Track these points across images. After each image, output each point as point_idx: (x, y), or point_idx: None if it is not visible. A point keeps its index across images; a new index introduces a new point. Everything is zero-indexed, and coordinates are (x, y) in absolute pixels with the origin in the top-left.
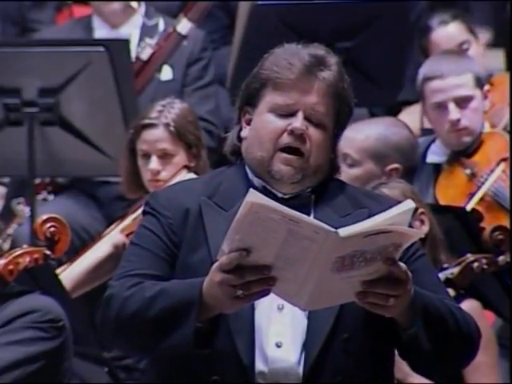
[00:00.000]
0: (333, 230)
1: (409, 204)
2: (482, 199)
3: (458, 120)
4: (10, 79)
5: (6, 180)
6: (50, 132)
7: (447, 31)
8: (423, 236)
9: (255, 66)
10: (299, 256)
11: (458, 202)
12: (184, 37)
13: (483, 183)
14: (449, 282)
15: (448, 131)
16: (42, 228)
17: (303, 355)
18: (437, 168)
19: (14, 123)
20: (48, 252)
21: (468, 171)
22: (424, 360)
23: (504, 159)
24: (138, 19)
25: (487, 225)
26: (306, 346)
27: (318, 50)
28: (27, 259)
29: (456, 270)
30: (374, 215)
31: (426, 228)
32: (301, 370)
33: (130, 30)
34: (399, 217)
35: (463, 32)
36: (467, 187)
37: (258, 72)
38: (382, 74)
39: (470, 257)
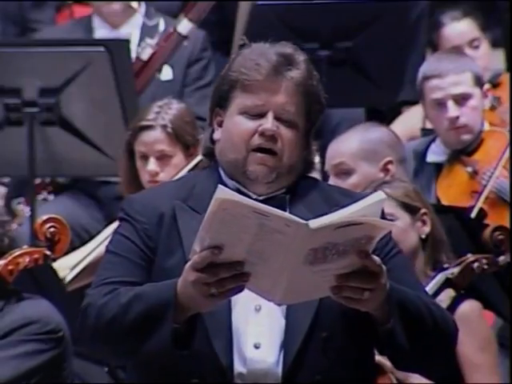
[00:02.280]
0: (303, 222)
1: (380, 195)
2: (487, 197)
3: (457, 117)
4: (10, 79)
5: (6, 180)
6: (50, 132)
7: (459, 27)
8: (422, 237)
9: None
10: (271, 250)
11: (460, 200)
12: (184, 37)
13: (488, 181)
14: (449, 281)
15: (447, 129)
16: (42, 228)
17: (281, 355)
18: (437, 167)
19: (15, 123)
20: (48, 252)
21: (469, 169)
22: (401, 355)
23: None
24: (138, 19)
25: (491, 221)
26: (284, 346)
27: (286, 48)
28: (27, 259)
29: (456, 269)
30: None
31: (427, 229)
32: (280, 370)
33: (130, 30)
34: (370, 208)
35: (474, 29)
36: (469, 185)
37: (227, 74)
38: (381, 74)
39: (470, 257)
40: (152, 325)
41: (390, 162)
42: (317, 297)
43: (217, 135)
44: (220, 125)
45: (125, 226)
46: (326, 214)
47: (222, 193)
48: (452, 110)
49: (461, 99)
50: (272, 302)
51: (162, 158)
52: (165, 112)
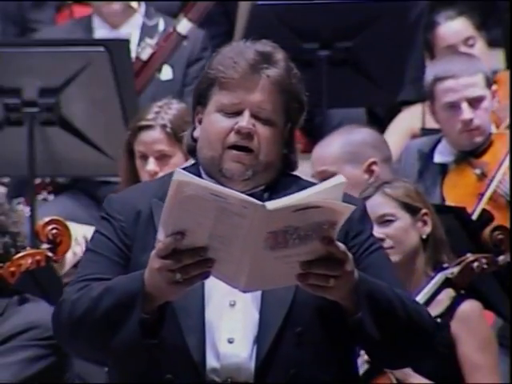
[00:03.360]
0: (260, 203)
1: (339, 178)
2: (491, 199)
3: (471, 120)
4: (10, 79)
5: (6, 180)
6: (50, 132)
7: (453, 26)
8: (423, 237)
9: None
10: (232, 234)
11: (467, 201)
12: (184, 37)
13: (491, 181)
14: (449, 281)
15: (460, 131)
16: (44, 230)
17: (255, 350)
18: (443, 168)
19: (15, 123)
20: (50, 254)
21: (478, 171)
22: (372, 346)
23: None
24: (137, 19)
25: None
26: (257, 341)
27: (265, 46)
28: (29, 261)
29: (456, 269)
30: None
31: (428, 229)
32: (252, 364)
33: (130, 30)
34: (329, 191)
35: (469, 28)
36: (476, 187)
37: (206, 72)
38: (381, 74)
39: (469, 257)
40: (122, 316)
41: (373, 163)
42: (283, 285)
43: (196, 133)
44: (200, 123)
45: (104, 224)
46: None
47: (180, 175)
48: (466, 112)
49: (474, 101)
50: (237, 289)
51: (162, 157)
52: (164, 112)
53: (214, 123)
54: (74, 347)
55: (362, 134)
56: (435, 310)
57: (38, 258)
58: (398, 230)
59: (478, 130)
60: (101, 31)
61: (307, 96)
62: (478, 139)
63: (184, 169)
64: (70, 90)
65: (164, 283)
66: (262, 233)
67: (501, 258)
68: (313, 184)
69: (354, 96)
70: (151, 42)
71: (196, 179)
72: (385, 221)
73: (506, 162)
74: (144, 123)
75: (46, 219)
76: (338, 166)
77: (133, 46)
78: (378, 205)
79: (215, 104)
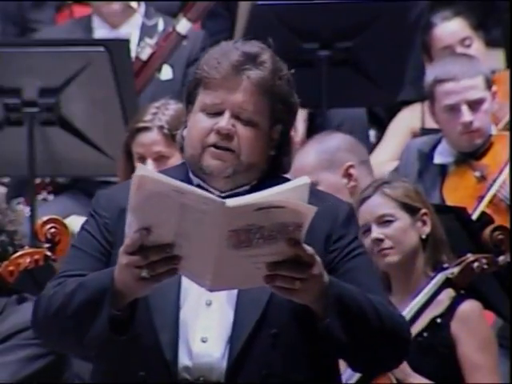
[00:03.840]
0: (220, 200)
1: (304, 179)
2: (491, 202)
3: (471, 122)
4: (10, 79)
5: (6, 180)
6: (50, 132)
7: (449, 27)
8: (423, 237)
9: None
10: (196, 231)
11: (466, 204)
12: (184, 37)
13: (491, 185)
14: (449, 281)
15: (460, 133)
16: (43, 229)
17: (227, 350)
18: (443, 169)
19: (14, 123)
20: (49, 253)
21: (477, 173)
22: (342, 352)
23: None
24: (137, 19)
25: None
26: (230, 341)
27: (252, 47)
28: (28, 260)
29: (456, 269)
30: (315, 214)
31: (427, 229)
32: (224, 364)
33: (130, 29)
34: (293, 192)
35: (465, 28)
36: (476, 190)
37: (194, 71)
38: (382, 73)
39: (470, 257)
40: (93, 312)
41: (351, 167)
42: (251, 285)
43: (184, 132)
44: None
45: (89, 220)
46: None
47: (141, 170)
48: (466, 115)
49: (474, 104)
50: (204, 287)
51: (160, 158)
52: (162, 113)
53: (197, 122)
54: (51, 342)
55: (335, 140)
56: (435, 310)
57: (36, 257)
58: (398, 231)
59: (478, 132)
60: (101, 31)
61: (305, 96)
62: (478, 141)
63: (173, 168)
64: (70, 90)
65: (131, 279)
66: (224, 230)
67: (501, 258)
68: None
69: (354, 96)
70: (151, 41)
71: (157, 175)
72: (384, 221)
73: (507, 167)
74: (141, 125)
75: (45, 218)
76: (316, 174)
77: (133, 46)
78: (378, 205)
79: (199, 104)
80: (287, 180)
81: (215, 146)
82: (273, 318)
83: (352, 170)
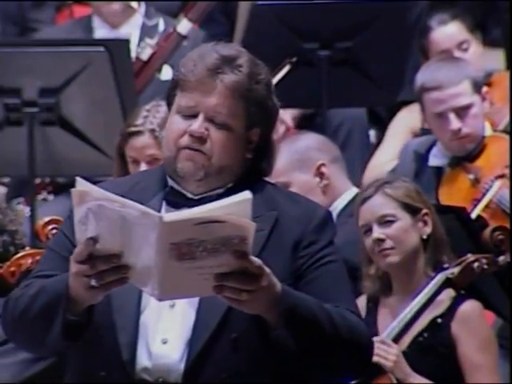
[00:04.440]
0: (157, 214)
1: (245, 194)
2: (486, 206)
3: (459, 129)
4: (10, 79)
5: (6, 180)
6: (50, 132)
7: (446, 31)
8: (424, 237)
9: None
10: (139, 242)
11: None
12: (184, 37)
13: (488, 190)
14: (449, 281)
15: (450, 139)
16: (44, 230)
17: (186, 352)
18: (438, 171)
19: (14, 123)
20: None
21: (471, 176)
22: (292, 362)
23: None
24: (137, 19)
25: None
26: (190, 343)
27: (230, 50)
28: (29, 261)
29: (456, 269)
30: (287, 217)
31: (428, 229)
32: (182, 366)
33: (130, 30)
34: (234, 207)
35: (463, 31)
36: (470, 192)
37: (174, 73)
38: (382, 74)
39: (470, 257)
40: (50, 317)
41: (322, 165)
42: (201, 295)
43: (163, 133)
44: None
45: (65, 222)
46: (260, 217)
47: (79, 185)
48: (454, 123)
49: (461, 110)
50: (153, 296)
51: (153, 161)
52: (153, 116)
53: (172, 124)
54: (19, 343)
55: (305, 140)
56: (435, 310)
57: (38, 257)
58: (399, 231)
59: (468, 138)
60: (101, 31)
61: (305, 96)
62: (469, 146)
63: (150, 170)
64: (70, 89)
65: (81, 287)
66: (165, 244)
67: (501, 258)
68: (277, 190)
69: (354, 96)
70: (151, 42)
71: (95, 189)
72: (385, 221)
73: (503, 171)
74: (133, 129)
75: (46, 219)
76: (288, 175)
77: (133, 46)
78: (379, 205)
79: (176, 105)
80: (264, 183)
81: (188, 147)
82: (234, 322)
83: (323, 169)
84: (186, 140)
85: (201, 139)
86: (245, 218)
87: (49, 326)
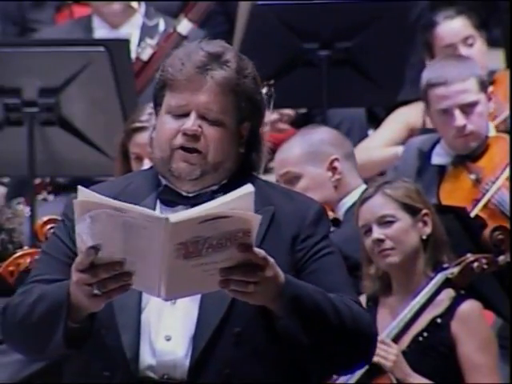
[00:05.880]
0: (162, 216)
1: (248, 188)
2: (485, 206)
3: (464, 126)
4: (10, 79)
5: (6, 180)
6: (50, 132)
7: (452, 26)
8: (423, 237)
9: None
10: (143, 247)
11: (461, 205)
12: (184, 37)
13: (487, 190)
14: (449, 281)
15: (454, 137)
16: (43, 229)
17: (191, 348)
18: (441, 169)
19: (14, 123)
20: None
21: (473, 176)
22: (301, 352)
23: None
24: (138, 19)
25: None
26: (194, 339)
27: (216, 47)
28: (28, 260)
29: (456, 269)
30: (282, 213)
31: (428, 229)
32: (188, 362)
33: (130, 30)
34: (237, 201)
35: (468, 27)
36: (471, 193)
37: (160, 74)
38: (381, 73)
39: (469, 257)
40: (51, 324)
41: (335, 160)
42: (207, 290)
43: (154, 134)
44: None
45: (59, 225)
46: (260, 211)
47: (81, 194)
48: (459, 119)
49: (467, 107)
50: (159, 298)
51: None
52: None
53: (163, 125)
54: (18, 349)
55: (320, 134)
56: (435, 310)
57: (36, 257)
58: (398, 231)
59: (472, 135)
60: (101, 31)
61: (305, 96)
62: (473, 144)
63: (142, 171)
64: (70, 89)
65: (83, 296)
66: (171, 244)
67: (501, 258)
68: (271, 186)
69: (354, 96)
70: (151, 42)
71: (97, 197)
72: (385, 222)
73: (504, 172)
74: (138, 125)
75: (45, 218)
76: (301, 167)
77: (133, 46)
78: (378, 205)
79: (165, 105)
80: (258, 179)
81: (183, 147)
82: (236, 317)
83: (336, 164)
84: (179, 140)
85: (195, 137)
86: (248, 211)
87: (50, 333)
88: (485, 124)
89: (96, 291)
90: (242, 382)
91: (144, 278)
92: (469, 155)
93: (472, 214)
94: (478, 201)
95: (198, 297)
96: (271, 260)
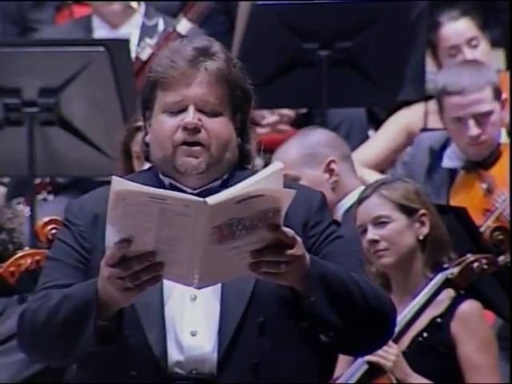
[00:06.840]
0: (201, 199)
1: (277, 165)
2: (497, 219)
3: (478, 136)
4: (9, 79)
5: (6, 180)
6: (50, 132)
7: (456, 27)
8: (420, 238)
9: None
10: (178, 234)
11: (472, 214)
12: (184, 37)
13: (499, 202)
14: (449, 281)
15: (467, 144)
16: (44, 230)
17: (217, 341)
18: (451, 172)
19: (14, 123)
20: None
21: (484, 186)
22: (330, 330)
23: None
24: (137, 19)
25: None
26: (219, 333)
27: (201, 41)
28: (29, 261)
29: (456, 269)
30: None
31: (425, 230)
32: (215, 356)
33: (130, 30)
34: (268, 180)
35: (472, 28)
36: (482, 202)
37: (148, 75)
38: (381, 73)
39: (470, 257)
40: (79, 324)
41: (332, 162)
42: (237, 276)
43: (148, 137)
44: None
45: (63, 230)
46: None
47: (117, 184)
48: (473, 129)
49: (482, 117)
50: (192, 286)
51: None
52: None
53: (161, 124)
54: (38, 356)
55: (316, 135)
56: (435, 310)
57: (37, 258)
58: (393, 232)
59: (485, 144)
60: (101, 31)
61: (305, 96)
62: (485, 152)
63: (142, 172)
64: (70, 89)
65: (115, 291)
66: (208, 228)
67: (501, 258)
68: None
69: (354, 96)
70: (151, 41)
71: (132, 185)
72: (380, 222)
73: None
74: (140, 124)
75: (46, 219)
76: (298, 169)
77: (133, 46)
78: (374, 206)
79: (160, 105)
80: (256, 171)
81: (185, 143)
82: (259, 307)
83: (333, 165)
84: (180, 135)
85: (196, 130)
86: (278, 187)
87: (78, 333)
88: (498, 132)
89: (129, 284)
90: (269, 369)
91: (175, 268)
92: (481, 162)
93: (484, 226)
94: (489, 211)
95: (219, 291)
96: (299, 239)
